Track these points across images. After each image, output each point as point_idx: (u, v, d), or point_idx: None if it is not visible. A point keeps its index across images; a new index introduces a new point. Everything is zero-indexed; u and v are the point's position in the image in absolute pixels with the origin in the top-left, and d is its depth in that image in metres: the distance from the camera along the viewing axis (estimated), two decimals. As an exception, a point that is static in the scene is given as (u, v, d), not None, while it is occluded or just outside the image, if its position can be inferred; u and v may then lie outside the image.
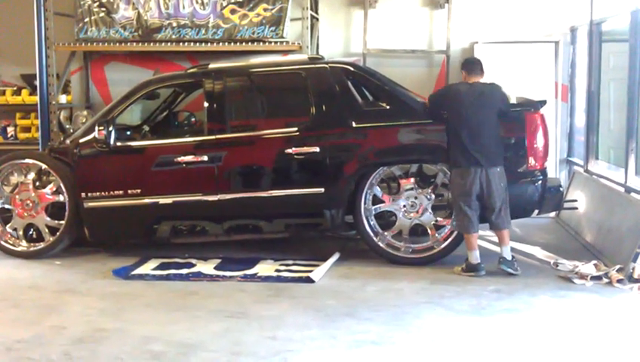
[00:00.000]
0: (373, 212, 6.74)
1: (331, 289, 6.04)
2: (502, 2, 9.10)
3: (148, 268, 6.67)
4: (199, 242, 7.13)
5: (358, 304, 5.62)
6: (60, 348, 4.76)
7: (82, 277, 6.49)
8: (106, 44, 8.87)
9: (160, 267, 6.69)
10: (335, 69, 6.92)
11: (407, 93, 6.94)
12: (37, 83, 8.98)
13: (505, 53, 9.00)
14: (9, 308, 5.66)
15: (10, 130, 10.18)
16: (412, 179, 6.72)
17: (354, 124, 6.65)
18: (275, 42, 8.64)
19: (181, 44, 8.75)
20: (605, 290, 5.91)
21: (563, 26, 9.08)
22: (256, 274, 6.46)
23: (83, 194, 6.88)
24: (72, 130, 7.99)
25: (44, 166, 7.07)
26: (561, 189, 7.04)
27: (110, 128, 6.78)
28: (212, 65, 7.22)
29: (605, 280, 6.09)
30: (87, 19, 8.86)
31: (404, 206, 6.71)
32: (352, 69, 7.04)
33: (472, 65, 6.53)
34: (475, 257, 6.35)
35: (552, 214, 8.30)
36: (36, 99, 9.02)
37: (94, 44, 8.90)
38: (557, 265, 6.57)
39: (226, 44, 8.70)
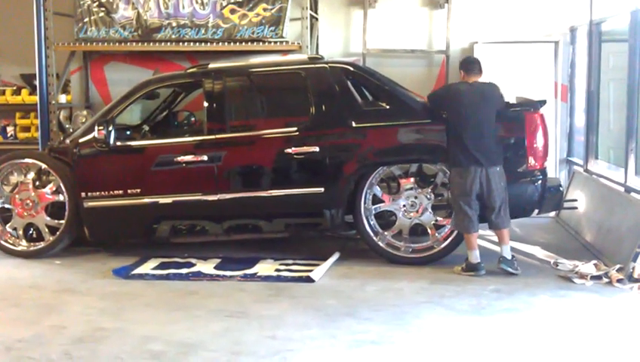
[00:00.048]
0: (373, 211, 6.74)
1: (331, 288, 6.04)
2: (501, 2, 9.10)
3: (148, 267, 6.67)
4: (199, 242, 7.13)
5: (358, 303, 5.62)
6: (60, 347, 4.76)
7: (82, 276, 6.49)
8: (106, 43, 8.87)
9: (160, 266, 6.69)
10: (335, 69, 6.92)
11: (407, 93, 6.93)
12: (37, 83, 8.99)
13: (504, 53, 9.00)
14: (9, 308, 5.66)
15: (9, 129, 10.18)
16: (412, 179, 6.72)
17: (354, 124, 6.65)
18: (275, 42, 8.65)
19: (181, 43, 8.75)
20: (605, 290, 5.91)
21: (563, 26, 9.08)
22: (256, 273, 6.46)
23: (83, 194, 6.88)
24: (71, 130, 7.99)
25: (43, 165, 7.07)
26: (560, 189, 7.05)
27: (110, 128, 6.78)
28: (212, 65, 7.22)
29: (605, 279, 6.09)
30: (86, 19, 8.87)
31: (404, 205, 6.71)
32: (351, 68, 7.04)
33: (470, 64, 6.53)
34: (475, 257, 6.35)
35: (552, 214, 8.31)
36: (36, 98, 9.02)
37: (94, 43, 8.90)
38: (557, 265, 6.58)
39: (226, 43, 8.71)
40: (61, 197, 7.01)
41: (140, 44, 8.85)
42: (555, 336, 4.91)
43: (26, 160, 7.19)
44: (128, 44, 8.88)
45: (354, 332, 5.00)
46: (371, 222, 6.72)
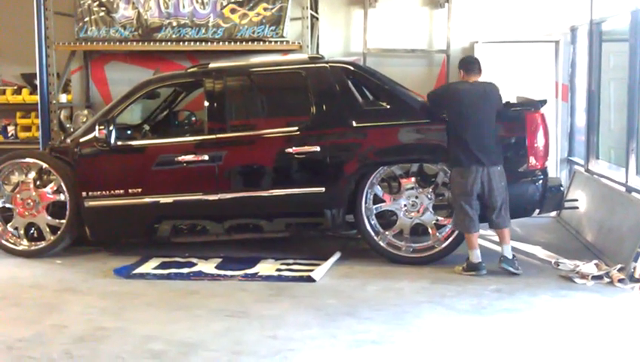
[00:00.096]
0: (374, 211, 6.74)
1: (332, 288, 6.04)
2: (502, 2, 9.11)
3: (149, 267, 6.67)
4: (200, 241, 7.13)
5: (359, 303, 5.62)
6: (60, 346, 4.76)
7: (83, 276, 6.49)
8: (106, 43, 8.87)
9: (161, 266, 6.69)
10: (335, 69, 6.92)
11: (408, 93, 6.93)
12: (37, 82, 8.98)
13: (505, 52, 9.01)
14: (10, 307, 5.66)
15: (10, 129, 10.17)
16: (413, 179, 6.72)
17: (354, 124, 6.65)
18: (275, 42, 8.64)
19: (181, 43, 8.75)
20: (606, 290, 5.91)
21: (563, 26, 9.08)
22: (257, 273, 6.47)
23: (84, 194, 6.88)
24: (72, 130, 7.99)
25: (44, 165, 7.07)
26: (561, 189, 7.04)
27: (111, 127, 6.78)
28: (212, 65, 7.22)
29: (606, 279, 6.09)
30: (87, 19, 8.87)
31: (405, 205, 6.71)
32: (352, 68, 7.04)
33: (470, 64, 6.53)
34: (476, 256, 6.35)
35: (553, 214, 8.31)
36: (36, 98, 9.02)
37: (94, 43, 8.90)
38: (558, 265, 6.57)
39: (226, 43, 8.71)
40: (62, 197, 7.01)
41: (140, 43, 8.85)
42: (556, 336, 4.91)
43: (27, 159, 7.19)
44: (129, 43, 8.88)
45: (354, 331, 5.00)
46: (372, 222, 6.72)
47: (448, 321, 5.23)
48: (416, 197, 6.69)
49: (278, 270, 6.55)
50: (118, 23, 8.85)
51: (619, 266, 6.16)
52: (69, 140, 7.18)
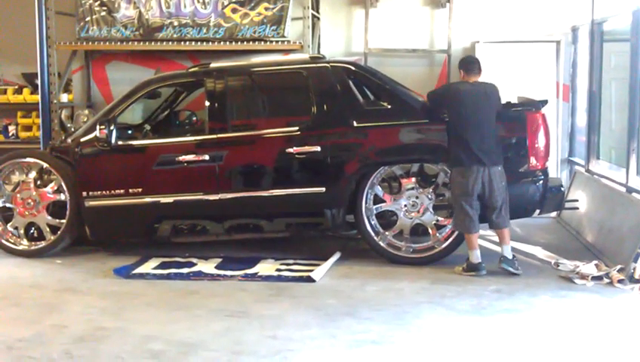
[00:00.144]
0: (374, 211, 6.73)
1: (332, 288, 6.04)
2: (503, 2, 9.10)
3: (149, 267, 6.68)
4: (200, 241, 7.13)
5: (359, 303, 5.62)
6: (60, 346, 4.77)
7: (83, 276, 6.49)
8: (107, 43, 8.87)
9: (161, 266, 6.69)
10: (336, 69, 6.91)
11: (409, 93, 6.93)
12: (38, 82, 8.98)
13: (506, 52, 9.00)
14: (10, 307, 5.66)
15: (11, 128, 10.16)
16: (413, 179, 6.72)
17: (355, 124, 6.65)
18: (277, 41, 8.65)
19: (182, 43, 8.75)
20: (606, 290, 5.91)
21: (564, 26, 9.08)
22: (257, 273, 6.47)
23: (84, 193, 6.88)
24: (73, 129, 8.00)
25: (45, 165, 7.07)
26: (562, 189, 7.03)
27: (111, 127, 6.78)
28: (213, 65, 7.21)
29: (606, 280, 6.09)
30: (88, 19, 8.87)
31: (405, 205, 6.71)
32: (353, 68, 7.04)
33: (470, 64, 6.53)
34: (476, 257, 6.35)
35: (553, 214, 8.30)
36: (37, 98, 9.02)
37: (95, 43, 8.90)
38: (558, 265, 6.57)
39: (227, 43, 8.71)
40: (62, 197, 7.01)
41: (141, 43, 8.84)
42: (556, 337, 4.91)
43: (28, 159, 7.19)
44: (130, 43, 8.88)
45: (354, 332, 5.00)
46: (372, 222, 6.72)
47: (448, 322, 5.23)
48: (417, 198, 6.69)
49: (278, 270, 6.55)
50: (119, 22, 8.85)
51: (619, 267, 6.16)
52: (69, 140, 7.19)
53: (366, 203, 6.69)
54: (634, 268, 5.99)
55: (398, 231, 6.76)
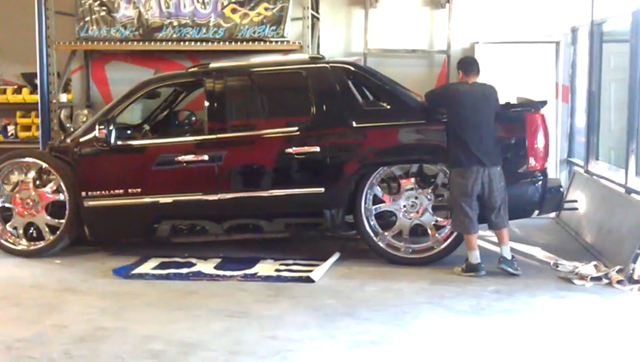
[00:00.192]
0: (374, 212, 6.74)
1: (331, 289, 6.04)
2: (503, 2, 9.11)
3: (148, 267, 6.68)
4: (199, 241, 7.13)
5: (358, 304, 5.62)
6: (60, 346, 4.76)
7: (83, 276, 6.49)
8: (107, 43, 8.87)
9: (160, 266, 6.69)
10: (336, 69, 6.92)
11: (408, 93, 6.94)
12: (37, 82, 8.98)
13: (506, 53, 9.01)
14: (10, 307, 5.66)
15: (10, 128, 10.17)
16: (412, 179, 6.72)
17: (354, 124, 6.65)
18: (276, 42, 8.65)
19: (182, 43, 8.76)
20: (605, 291, 5.91)
21: (564, 27, 9.08)
22: (256, 273, 6.47)
23: (83, 193, 6.88)
24: (72, 129, 7.99)
25: (44, 165, 7.07)
26: (561, 190, 7.05)
27: (111, 127, 6.78)
28: (213, 65, 7.22)
29: (605, 281, 6.09)
30: (87, 18, 8.87)
31: (405, 206, 6.71)
32: (352, 68, 7.04)
33: (469, 65, 6.53)
34: (475, 257, 6.35)
35: (553, 215, 8.31)
36: (37, 97, 9.02)
37: (95, 43, 8.91)
38: (557, 266, 6.58)
39: (227, 43, 8.71)
40: (61, 197, 7.01)
41: (141, 43, 8.85)
42: (555, 337, 4.91)
43: (27, 159, 7.19)
44: (129, 43, 8.88)
45: (353, 332, 5.00)
46: (371, 223, 6.72)
47: (447, 322, 5.23)
48: (416, 198, 6.70)
49: (278, 270, 6.55)
50: (118, 22, 8.85)
51: (618, 267, 6.16)
52: (69, 140, 7.18)
53: (365, 203, 6.69)
54: (633, 269, 6.00)
55: (397, 232, 6.76)
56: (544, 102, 6.77)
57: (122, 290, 6.03)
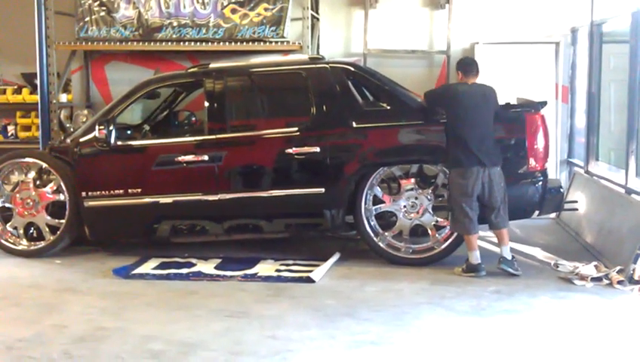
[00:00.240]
0: (374, 212, 6.74)
1: (331, 289, 6.04)
2: (502, 3, 9.11)
3: (148, 267, 6.67)
4: (199, 241, 7.13)
5: (358, 304, 5.62)
6: (60, 346, 4.76)
7: (83, 276, 6.49)
8: (107, 43, 8.87)
9: (160, 266, 6.69)
10: (335, 69, 6.92)
11: (408, 94, 6.93)
12: (37, 82, 8.98)
13: (505, 53, 9.01)
14: (10, 307, 5.66)
15: (10, 128, 10.17)
16: (412, 180, 6.72)
17: (354, 124, 6.65)
18: (276, 42, 8.65)
19: (182, 43, 8.76)
20: (606, 292, 5.91)
21: (563, 27, 9.09)
22: (256, 273, 6.47)
23: (83, 193, 6.88)
24: (72, 129, 7.99)
25: (44, 165, 7.07)
26: (561, 190, 7.05)
27: (111, 127, 6.78)
28: (212, 65, 7.22)
29: (606, 281, 6.09)
30: (87, 19, 8.87)
31: (405, 206, 6.71)
32: (352, 69, 7.04)
33: (468, 65, 6.53)
34: (475, 257, 6.35)
35: (553, 215, 8.31)
36: (37, 98, 9.02)
37: (95, 43, 8.91)
38: (557, 266, 6.58)
39: (227, 43, 8.71)
40: (62, 197, 7.01)
41: (140, 43, 8.85)
42: (555, 338, 4.91)
43: (27, 159, 7.20)
44: (129, 43, 8.88)
45: (353, 332, 5.00)
46: (372, 223, 6.72)
47: (448, 322, 5.23)
48: (416, 198, 6.70)
49: (278, 270, 6.55)
50: (118, 22, 8.85)
51: (618, 268, 6.16)
52: (68, 140, 7.18)
53: (365, 203, 6.69)
54: (633, 269, 6.00)
55: (397, 232, 6.76)
56: (544, 103, 6.77)
57: (122, 290, 6.03)
